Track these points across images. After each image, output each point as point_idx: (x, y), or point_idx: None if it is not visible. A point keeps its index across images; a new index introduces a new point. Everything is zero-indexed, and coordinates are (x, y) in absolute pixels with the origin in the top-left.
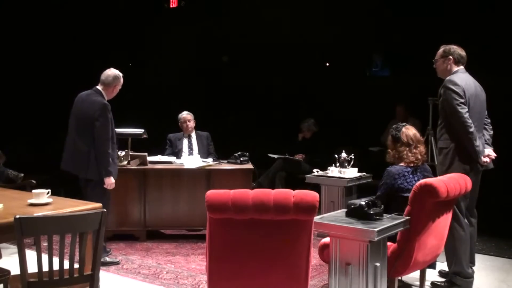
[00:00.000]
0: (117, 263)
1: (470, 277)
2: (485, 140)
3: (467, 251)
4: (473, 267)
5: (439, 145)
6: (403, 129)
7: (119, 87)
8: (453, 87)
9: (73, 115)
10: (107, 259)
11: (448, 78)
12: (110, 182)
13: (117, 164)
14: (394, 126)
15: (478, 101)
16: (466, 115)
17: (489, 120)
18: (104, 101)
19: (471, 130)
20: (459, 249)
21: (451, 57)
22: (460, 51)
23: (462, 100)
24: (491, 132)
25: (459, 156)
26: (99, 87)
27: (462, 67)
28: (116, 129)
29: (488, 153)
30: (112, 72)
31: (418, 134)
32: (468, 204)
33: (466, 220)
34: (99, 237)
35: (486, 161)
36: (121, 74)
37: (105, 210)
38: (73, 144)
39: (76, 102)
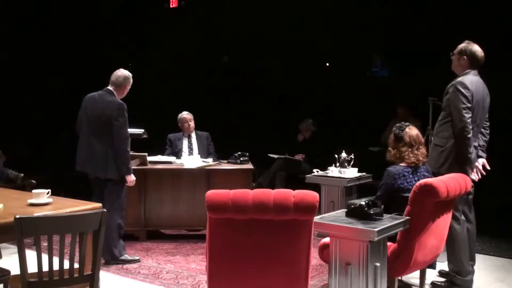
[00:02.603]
0: (138, 261)
1: (469, 274)
2: (480, 146)
3: (466, 249)
4: (473, 267)
5: (434, 141)
6: (407, 129)
7: (129, 87)
8: (463, 91)
9: (85, 116)
10: (128, 257)
11: (460, 79)
12: (131, 179)
13: None
14: (398, 125)
15: (482, 106)
16: (469, 120)
17: (488, 124)
18: (121, 101)
19: (469, 136)
20: (457, 247)
21: (465, 57)
22: (478, 52)
23: (469, 105)
24: (487, 138)
25: (456, 156)
26: (110, 87)
27: (475, 70)
28: None
29: (477, 165)
30: (122, 72)
31: (420, 135)
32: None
33: (463, 217)
34: (99, 237)
35: (475, 176)
36: (131, 75)
37: (105, 210)
38: (88, 145)
39: (87, 103)
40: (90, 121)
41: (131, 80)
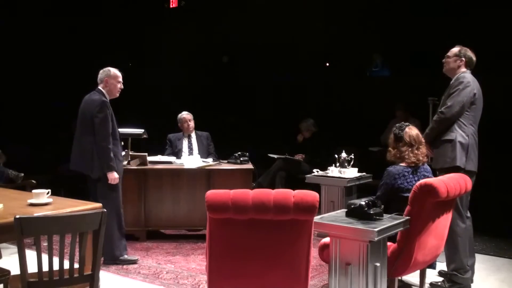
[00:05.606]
0: (135, 262)
1: (468, 272)
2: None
3: (467, 247)
4: (474, 264)
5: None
6: (406, 129)
7: (112, 81)
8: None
9: (78, 116)
10: (126, 257)
11: (462, 74)
12: (113, 177)
13: (122, 162)
14: (397, 125)
15: (481, 103)
16: (451, 115)
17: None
18: (103, 98)
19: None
20: (460, 244)
21: (463, 59)
22: (473, 56)
23: (465, 100)
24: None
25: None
26: (99, 86)
27: (469, 70)
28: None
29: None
30: (102, 69)
31: (420, 135)
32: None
33: (468, 214)
34: (99, 237)
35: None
36: (112, 69)
37: (105, 210)
38: (78, 144)
39: (81, 104)
40: (79, 120)
41: (112, 73)
